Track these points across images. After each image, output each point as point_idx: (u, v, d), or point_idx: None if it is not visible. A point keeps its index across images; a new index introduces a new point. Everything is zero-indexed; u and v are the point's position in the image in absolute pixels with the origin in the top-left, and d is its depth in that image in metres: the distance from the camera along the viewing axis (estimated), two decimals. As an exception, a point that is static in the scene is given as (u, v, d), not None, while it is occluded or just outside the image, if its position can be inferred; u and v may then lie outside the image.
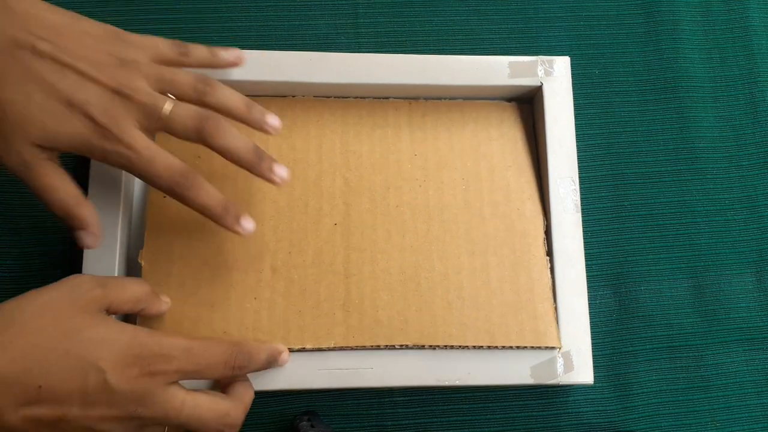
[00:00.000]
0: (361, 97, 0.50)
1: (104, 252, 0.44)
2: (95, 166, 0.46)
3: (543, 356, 0.45)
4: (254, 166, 0.41)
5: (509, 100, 0.51)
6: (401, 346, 0.45)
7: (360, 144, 0.49)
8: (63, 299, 0.36)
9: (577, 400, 0.49)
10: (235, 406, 0.39)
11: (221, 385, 0.42)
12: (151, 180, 0.39)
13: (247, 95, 0.48)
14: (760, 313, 0.51)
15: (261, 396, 0.47)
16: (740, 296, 0.51)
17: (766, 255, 0.52)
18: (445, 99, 0.51)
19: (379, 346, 0.45)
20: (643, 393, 0.49)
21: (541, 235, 0.48)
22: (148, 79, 0.39)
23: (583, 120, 0.53)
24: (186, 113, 0.39)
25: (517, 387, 0.49)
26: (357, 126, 0.50)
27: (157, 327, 0.45)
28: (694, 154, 0.54)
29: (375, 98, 0.50)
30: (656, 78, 0.55)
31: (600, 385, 0.49)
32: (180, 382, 0.38)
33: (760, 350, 0.50)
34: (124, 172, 0.46)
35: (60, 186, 0.39)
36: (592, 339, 0.45)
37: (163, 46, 0.41)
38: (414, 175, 0.49)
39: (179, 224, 0.47)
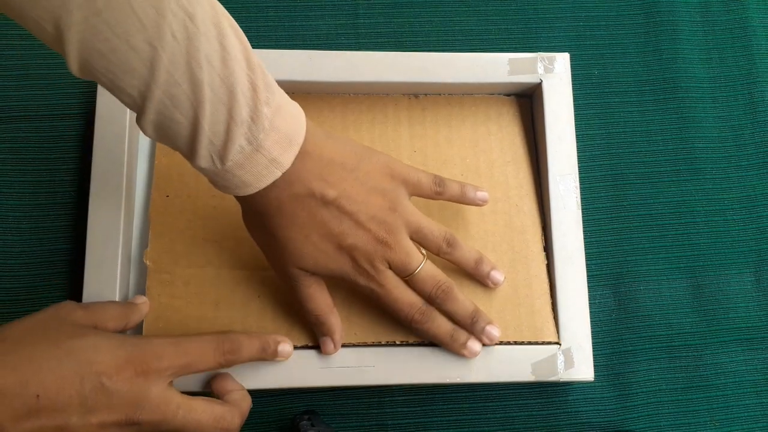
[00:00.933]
0: (361, 94, 0.50)
1: (105, 252, 0.44)
2: (97, 165, 0.46)
3: (543, 353, 0.45)
4: (467, 328, 0.45)
5: (509, 95, 0.52)
6: (401, 342, 0.45)
7: (360, 140, 0.49)
8: (51, 318, 0.38)
9: (577, 399, 0.49)
10: (230, 410, 0.40)
11: (218, 393, 0.42)
12: (392, 313, 0.44)
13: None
14: (758, 313, 0.51)
15: (261, 396, 0.47)
16: (739, 296, 0.51)
17: (765, 255, 0.52)
18: (444, 94, 0.51)
19: (380, 342, 0.45)
20: (642, 392, 0.49)
21: (539, 231, 0.49)
22: (409, 229, 0.43)
23: (583, 120, 0.53)
24: (427, 277, 0.43)
25: (517, 386, 0.49)
26: (357, 122, 0.50)
27: (163, 327, 0.45)
28: (694, 154, 0.54)
29: (375, 94, 0.50)
30: (655, 78, 0.55)
31: (599, 384, 0.49)
32: (177, 386, 0.39)
33: (758, 350, 0.51)
34: (125, 172, 0.46)
35: (318, 297, 0.43)
36: (591, 339, 0.46)
37: (425, 181, 0.44)
38: None
39: (182, 224, 0.47)
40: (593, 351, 0.46)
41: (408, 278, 0.43)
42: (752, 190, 0.53)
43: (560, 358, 0.45)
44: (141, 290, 0.46)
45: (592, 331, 0.46)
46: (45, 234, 0.49)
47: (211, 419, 0.39)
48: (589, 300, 0.46)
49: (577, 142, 0.49)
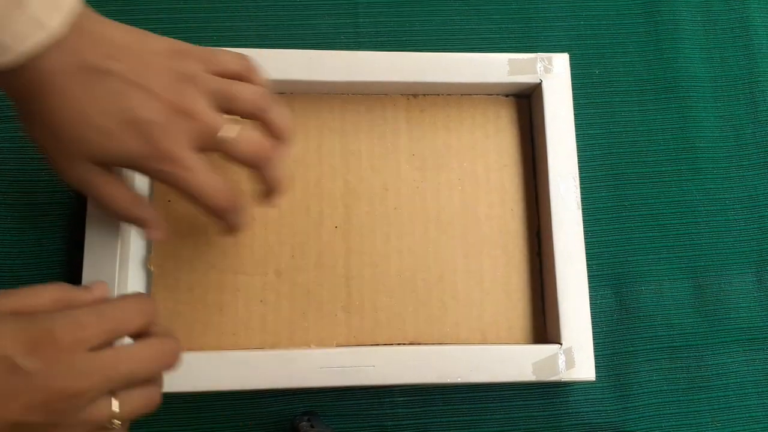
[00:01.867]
0: (360, 94, 0.50)
1: (103, 252, 0.44)
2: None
3: (544, 353, 0.45)
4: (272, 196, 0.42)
5: (508, 95, 0.52)
6: (401, 342, 0.46)
7: (359, 143, 0.49)
8: None
9: (578, 399, 0.49)
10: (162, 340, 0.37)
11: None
12: (199, 201, 0.39)
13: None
14: (760, 313, 0.51)
15: (261, 396, 0.47)
16: (741, 296, 0.51)
17: (767, 255, 0.52)
18: (443, 95, 0.51)
19: (380, 342, 0.46)
20: (643, 393, 0.49)
21: (534, 236, 0.49)
22: (207, 96, 0.39)
23: (583, 119, 0.53)
24: (247, 138, 0.39)
25: (518, 386, 0.48)
26: (356, 123, 0.50)
27: (168, 332, 0.45)
28: (695, 153, 0.54)
29: (374, 94, 0.50)
30: (656, 78, 0.55)
31: (600, 384, 0.49)
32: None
33: (760, 350, 0.50)
34: (125, 175, 0.46)
35: (117, 194, 0.39)
36: (592, 339, 0.45)
37: (225, 60, 0.40)
38: (412, 176, 0.49)
39: (185, 229, 0.47)
40: (594, 351, 0.46)
41: (219, 146, 0.39)
42: (754, 190, 0.53)
43: (561, 358, 0.45)
44: (140, 292, 0.47)
45: (593, 332, 0.46)
46: (44, 234, 0.49)
47: (154, 354, 0.36)
48: (591, 300, 0.46)
49: (577, 142, 0.49)
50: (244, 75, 0.41)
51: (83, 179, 0.38)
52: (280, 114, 0.41)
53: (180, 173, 0.38)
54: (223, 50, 0.41)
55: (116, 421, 0.35)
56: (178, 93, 0.38)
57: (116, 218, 0.41)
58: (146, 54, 0.38)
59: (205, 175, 0.39)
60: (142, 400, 0.36)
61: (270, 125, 0.41)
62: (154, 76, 0.37)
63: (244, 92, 0.40)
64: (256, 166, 0.40)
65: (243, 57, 0.42)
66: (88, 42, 0.36)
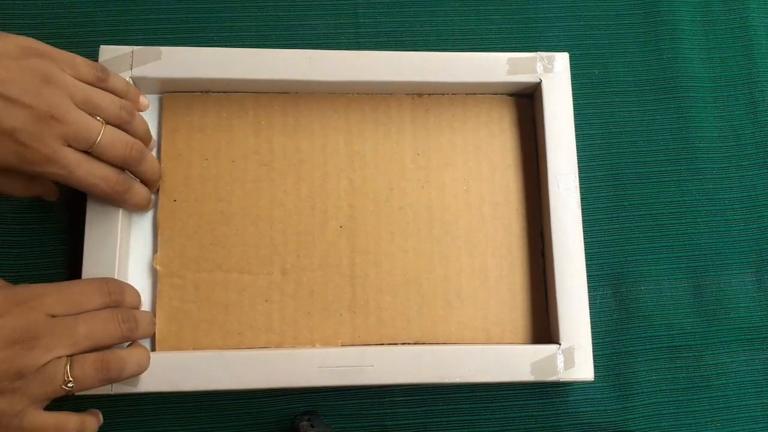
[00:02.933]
0: (364, 94, 0.50)
1: (103, 252, 0.44)
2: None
3: (543, 353, 0.45)
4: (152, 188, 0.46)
5: (510, 95, 0.52)
6: (403, 344, 0.46)
7: (364, 143, 0.49)
8: None
9: (577, 399, 0.49)
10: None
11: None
12: (88, 191, 0.42)
13: (248, 93, 0.50)
14: (759, 313, 0.51)
15: (261, 396, 0.47)
16: (740, 296, 0.51)
17: (766, 255, 0.52)
18: (447, 94, 0.51)
19: (380, 342, 0.46)
20: (642, 393, 0.49)
21: (537, 235, 0.49)
22: (75, 99, 0.39)
23: (583, 120, 0.53)
24: (114, 140, 0.41)
25: (517, 386, 0.49)
26: (360, 123, 0.50)
27: (175, 330, 0.46)
28: (694, 154, 0.54)
29: (378, 94, 0.51)
30: (656, 78, 0.55)
31: (600, 384, 0.49)
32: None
33: (759, 350, 0.50)
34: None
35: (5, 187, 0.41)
36: (592, 339, 0.45)
37: (82, 66, 0.41)
38: (417, 175, 0.49)
39: (191, 228, 0.47)
40: (594, 351, 0.46)
41: (92, 149, 0.40)
42: (753, 190, 0.53)
43: (560, 358, 0.45)
44: (147, 291, 0.47)
45: (592, 331, 0.46)
46: (44, 234, 0.49)
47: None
48: (590, 300, 0.46)
49: (577, 141, 0.49)
50: (101, 82, 0.42)
51: None
52: (141, 123, 0.44)
53: (59, 171, 0.39)
54: (78, 57, 0.42)
55: (70, 384, 0.37)
56: (42, 96, 0.38)
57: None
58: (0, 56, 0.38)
59: (86, 169, 0.40)
60: (96, 365, 0.38)
61: (134, 134, 0.43)
62: (13, 81, 0.37)
63: (107, 101, 0.41)
64: (127, 166, 0.43)
65: (100, 69, 0.42)
66: None
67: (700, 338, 0.50)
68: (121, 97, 0.43)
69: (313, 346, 0.46)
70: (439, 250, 0.48)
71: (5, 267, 0.48)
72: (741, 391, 0.50)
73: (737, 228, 0.53)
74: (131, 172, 0.44)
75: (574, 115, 0.49)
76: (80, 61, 0.41)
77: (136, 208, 0.45)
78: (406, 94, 0.51)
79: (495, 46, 0.55)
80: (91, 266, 0.44)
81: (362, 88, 0.50)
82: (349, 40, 0.54)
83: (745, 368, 0.50)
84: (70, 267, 0.48)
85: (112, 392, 0.42)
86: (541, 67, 0.49)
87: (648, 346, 0.50)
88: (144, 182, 0.45)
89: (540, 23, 0.56)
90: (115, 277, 0.44)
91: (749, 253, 0.52)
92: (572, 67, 0.50)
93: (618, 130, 0.54)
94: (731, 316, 0.51)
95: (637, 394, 0.49)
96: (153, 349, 0.46)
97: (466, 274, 0.48)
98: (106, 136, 0.40)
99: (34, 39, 0.40)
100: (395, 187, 0.49)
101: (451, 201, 0.49)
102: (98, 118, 0.41)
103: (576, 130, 0.49)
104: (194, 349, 0.45)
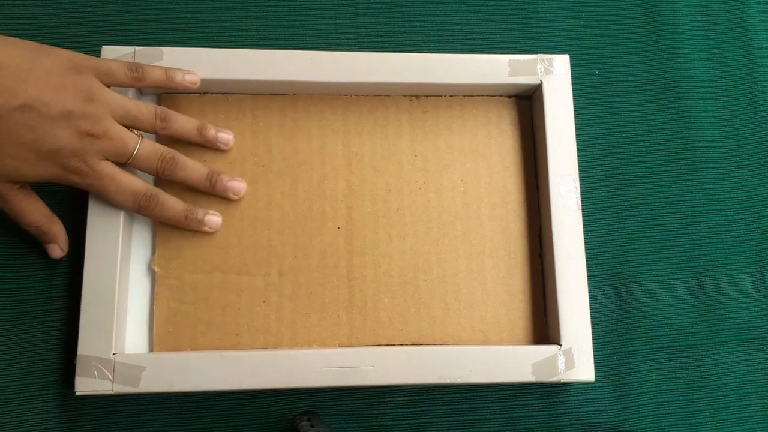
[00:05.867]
0: (362, 95, 0.50)
1: (105, 252, 0.44)
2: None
3: (544, 354, 0.45)
4: (209, 191, 0.46)
5: (508, 96, 0.52)
6: (401, 342, 0.46)
7: (361, 144, 0.49)
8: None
9: (578, 399, 0.49)
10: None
11: None
12: (118, 205, 0.43)
13: (248, 93, 0.50)
14: (759, 313, 0.51)
15: (261, 396, 0.47)
16: (740, 296, 0.51)
17: (766, 255, 0.52)
18: (445, 96, 0.51)
19: (380, 342, 0.46)
20: (643, 393, 0.49)
21: (536, 237, 0.49)
22: (115, 114, 0.42)
23: (583, 120, 0.53)
24: (147, 154, 0.43)
25: (518, 386, 0.49)
26: (358, 124, 0.50)
27: (173, 331, 0.46)
28: (694, 153, 0.54)
29: (376, 95, 0.51)
30: (656, 78, 0.55)
31: (600, 384, 0.49)
32: None
33: (759, 350, 0.50)
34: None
35: (32, 209, 0.43)
36: (592, 339, 0.46)
37: (117, 68, 0.43)
38: (414, 177, 0.49)
39: (188, 230, 0.47)
40: (594, 351, 0.46)
41: (130, 163, 0.43)
42: (753, 190, 0.53)
43: (561, 359, 0.45)
44: (143, 292, 0.47)
45: (592, 332, 0.46)
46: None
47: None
48: (590, 300, 0.47)
49: (577, 142, 0.49)
50: (138, 85, 0.44)
51: (1, 196, 0.42)
52: (179, 126, 0.45)
53: (96, 184, 0.42)
54: (114, 62, 0.43)
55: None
56: (85, 116, 0.40)
57: (28, 230, 0.45)
58: (43, 73, 0.39)
59: (121, 180, 0.42)
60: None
61: (173, 137, 0.46)
62: (58, 102, 0.39)
63: (144, 112, 0.44)
64: (163, 176, 0.44)
65: (134, 67, 0.44)
66: None
67: (700, 338, 0.50)
68: (162, 87, 0.45)
69: (310, 347, 0.46)
70: (437, 251, 0.48)
71: (5, 267, 0.48)
72: (741, 391, 0.50)
73: (737, 228, 0.53)
74: (170, 180, 0.45)
75: (575, 115, 0.49)
76: (116, 67, 0.43)
77: (168, 221, 0.46)
78: (404, 96, 0.51)
79: (495, 47, 0.55)
80: (91, 266, 0.44)
81: (365, 90, 0.50)
82: (348, 40, 0.54)
83: (745, 368, 0.50)
84: (71, 267, 0.48)
85: (112, 392, 0.42)
86: (542, 69, 0.49)
87: (648, 346, 0.50)
88: (193, 187, 0.46)
89: (540, 23, 0.56)
90: (116, 278, 0.44)
91: (749, 253, 0.52)
92: (572, 67, 0.50)
93: (618, 130, 0.54)
94: (731, 316, 0.51)
95: (637, 394, 0.49)
96: (150, 350, 0.46)
97: (463, 275, 0.48)
98: (142, 150, 0.43)
99: (74, 52, 0.42)
100: (393, 189, 0.49)
101: (448, 202, 0.49)
102: (135, 131, 0.43)
103: (576, 130, 0.49)
104: (192, 350, 0.46)
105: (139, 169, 0.45)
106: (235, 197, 0.47)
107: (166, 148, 0.44)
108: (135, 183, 0.43)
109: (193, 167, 0.45)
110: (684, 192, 0.53)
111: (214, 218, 0.46)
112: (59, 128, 0.39)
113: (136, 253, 0.47)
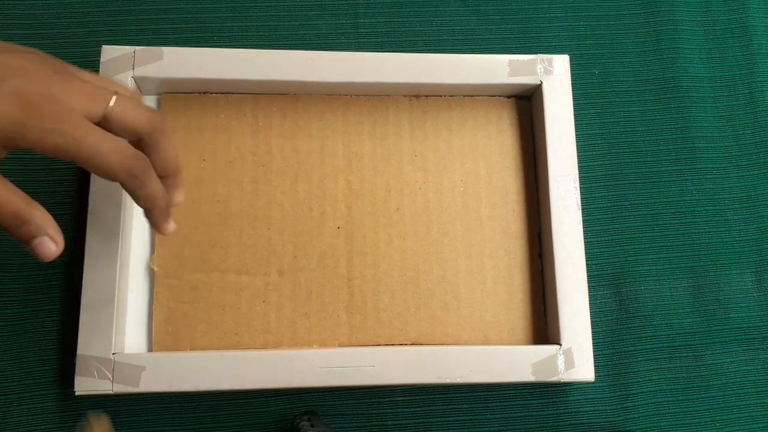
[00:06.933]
0: (362, 95, 0.50)
1: (104, 252, 0.44)
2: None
3: (544, 354, 0.45)
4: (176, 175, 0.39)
5: (508, 97, 0.52)
6: (401, 342, 0.47)
7: (361, 144, 0.50)
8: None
9: (577, 399, 0.49)
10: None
11: None
12: (99, 167, 0.33)
13: (248, 94, 0.50)
14: (759, 313, 0.51)
15: (261, 396, 0.47)
16: (740, 296, 0.51)
17: (766, 255, 0.52)
18: (445, 96, 0.51)
19: (380, 342, 0.46)
20: (642, 393, 0.49)
21: (535, 237, 0.49)
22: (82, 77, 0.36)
23: (583, 120, 0.53)
24: (125, 110, 0.35)
25: (518, 386, 0.49)
26: (358, 125, 0.50)
27: (172, 331, 0.46)
28: (694, 154, 0.54)
29: (376, 95, 0.51)
30: (656, 78, 0.55)
31: (600, 384, 0.49)
32: None
33: (759, 350, 0.50)
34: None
35: (3, 191, 0.32)
36: (592, 339, 0.46)
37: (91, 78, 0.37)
38: (414, 177, 0.49)
39: (188, 229, 0.47)
40: (594, 351, 0.46)
41: (106, 116, 0.34)
42: (753, 190, 0.53)
43: (561, 359, 0.45)
44: (142, 292, 0.47)
45: (592, 332, 0.46)
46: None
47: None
48: (590, 300, 0.47)
49: (577, 142, 0.49)
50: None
51: None
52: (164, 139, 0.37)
53: (68, 142, 0.32)
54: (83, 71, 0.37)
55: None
56: (49, 59, 0.34)
57: (5, 224, 0.33)
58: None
59: (100, 136, 0.33)
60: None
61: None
62: (24, 69, 0.32)
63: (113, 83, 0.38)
64: (147, 132, 0.36)
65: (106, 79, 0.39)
66: None
67: (699, 338, 0.50)
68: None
69: (310, 347, 0.46)
70: (437, 251, 0.48)
71: (5, 267, 0.48)
72: (741, 391, 0.50)
73: (737, 228, 0.53)
74: (150, 141, 0.36)
75: (574, 115, 0.49)
76: (89, 76, 0.37)
77: (149, 200, 0.36)
78: (404, 96, 0.51)
79: (495, 47, 0.55)
80: (91, 266, 0.44)
81: (365, 90, 0.50)
82: (349, 40, 0.54)
83: (744, 368, 0.50)
84: (71, 267, 0.48)
85: (112, 392, 0.42)
86: (542, 69, 0.49)
87: (648, 346, 0.50)
88: (159, 172, 0.37)
89: (540, 23, 0.56)
90: (117, 278, 0.44)
91: (749, 253, 0.52)
92: (572, 67, 0.50)
93: (618, 130, 0.54)
94: (731, 316, 0.51)
95: (637, 393, 0.49)
96: (150, 350, 0.46)
97: (463, 275, 0.48)
98: (120, 102, 0.34)
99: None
100: (393, 189, 0.49)
101: (448, 202, 0.49)
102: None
103: (576, 130, 0.49)
104: (191, 350, 0.46)
105: (115, 128, 0.35)
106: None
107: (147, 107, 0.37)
108: (121, 141, 0.35)
109: (171, 148, 0.38)
110: (684, 192, 0.53)
111: (172, 226, 0.40)
112: (27, 74, 0.32)
113: (136, 253, 0.47)
